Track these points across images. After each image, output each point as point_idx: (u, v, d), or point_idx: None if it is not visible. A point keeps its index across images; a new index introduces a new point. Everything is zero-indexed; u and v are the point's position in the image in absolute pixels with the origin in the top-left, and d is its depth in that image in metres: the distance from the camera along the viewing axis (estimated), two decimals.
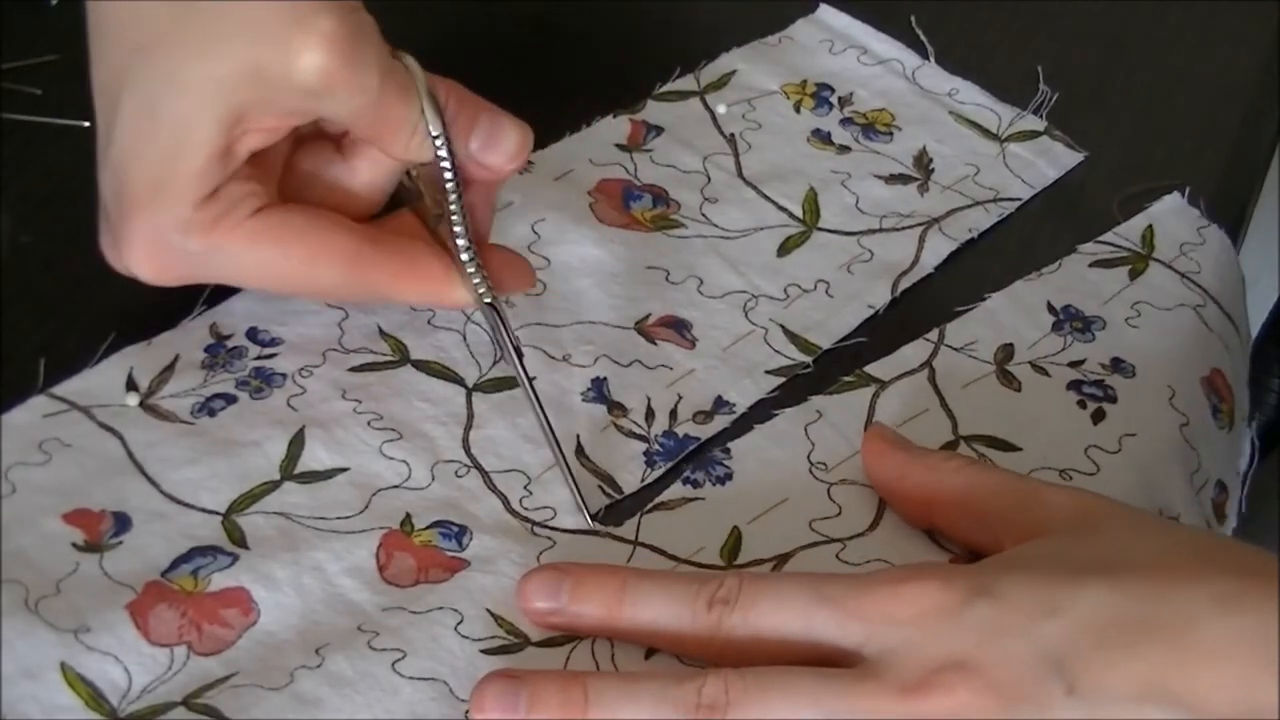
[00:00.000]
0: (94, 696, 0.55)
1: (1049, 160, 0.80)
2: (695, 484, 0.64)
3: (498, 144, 0.62)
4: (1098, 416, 0.67)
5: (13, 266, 0.69)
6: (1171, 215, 0.77)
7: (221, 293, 0.67)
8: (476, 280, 0.62)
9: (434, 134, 0.60)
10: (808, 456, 0.65)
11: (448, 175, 0.60)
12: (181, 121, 0.57)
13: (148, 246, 0.59)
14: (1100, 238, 0.76)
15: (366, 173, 0.63)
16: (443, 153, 0.60)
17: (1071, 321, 0.71)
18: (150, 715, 0.54)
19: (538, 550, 0.61)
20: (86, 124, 0.74)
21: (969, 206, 0.77)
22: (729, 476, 0.64)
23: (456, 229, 0.61)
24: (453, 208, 0.61)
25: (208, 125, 0.57)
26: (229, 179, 0.59)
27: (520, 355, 0.63)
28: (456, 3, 0.86)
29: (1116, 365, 0.69)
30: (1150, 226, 0.76)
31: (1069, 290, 0.73)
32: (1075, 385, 0.68)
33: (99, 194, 0.61)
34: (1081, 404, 0.68)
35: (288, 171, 0.62)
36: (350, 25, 0.57)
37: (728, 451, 0.65)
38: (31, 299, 0.67)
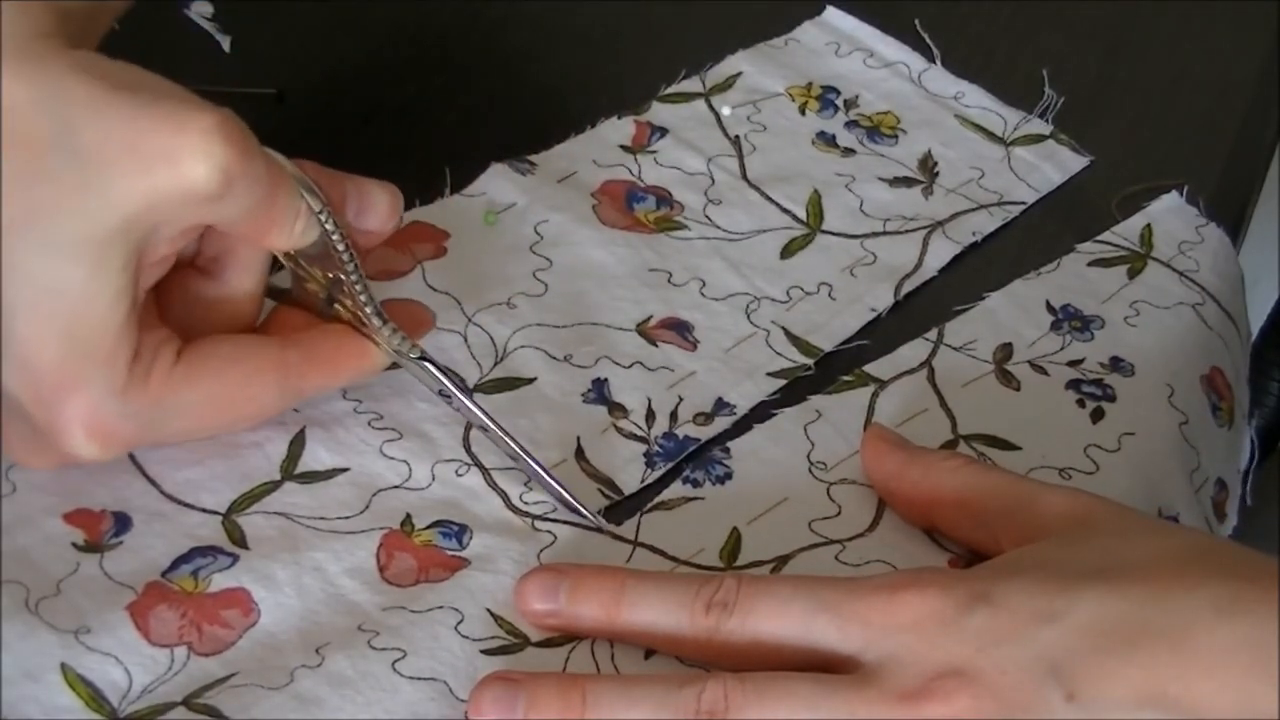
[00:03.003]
0: (94, 697, 0.55)
1: (1054, 164, 0.80)
2: (695, 483, 0.64)
3: (371, 208, 0.62)
4: (1097, 415, 0.67)
5: None
6: (1170, 214, 0.77)
7: None
8: (397, 341, 0.61)
9: (318, 209, 0.58)
10: (807, 456, 0.65)
11: (340, 246, 0.59)
12: (86, 286, 0.53)
13: (90, 426, 0.55)
14: (1099, 237, 0.76)
15: (239, 281, 0.61)
16: (330, 225, 0.59)
17: (1070, 321, 0.71)
18: (150, 715, 0.54)
19: (538, 548, 0.61)
20: None
21: (973, 210, 0.77)
22: (729, 476, 0.64)
23: (362, 296, 0.60)
24: (353, 276, 0.60)
25: (115, 278, 0.53)
26: (140, 330, 0.56)
27: (470, 395, 0.63)
28: (462, 2, 0.86)
29: (1115, 364, 0.69)
30: (1149, 225, 0.76)
31: (1067, 289, 0.73)
32: (1074, 384, 0.68)
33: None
34: (1080, 403, 0.68)
35: (163, 311, 0.59)
36: (227, 115, 0.54)
37: (727, 451, 0.65)
38: None
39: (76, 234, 0.52)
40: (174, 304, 0.59)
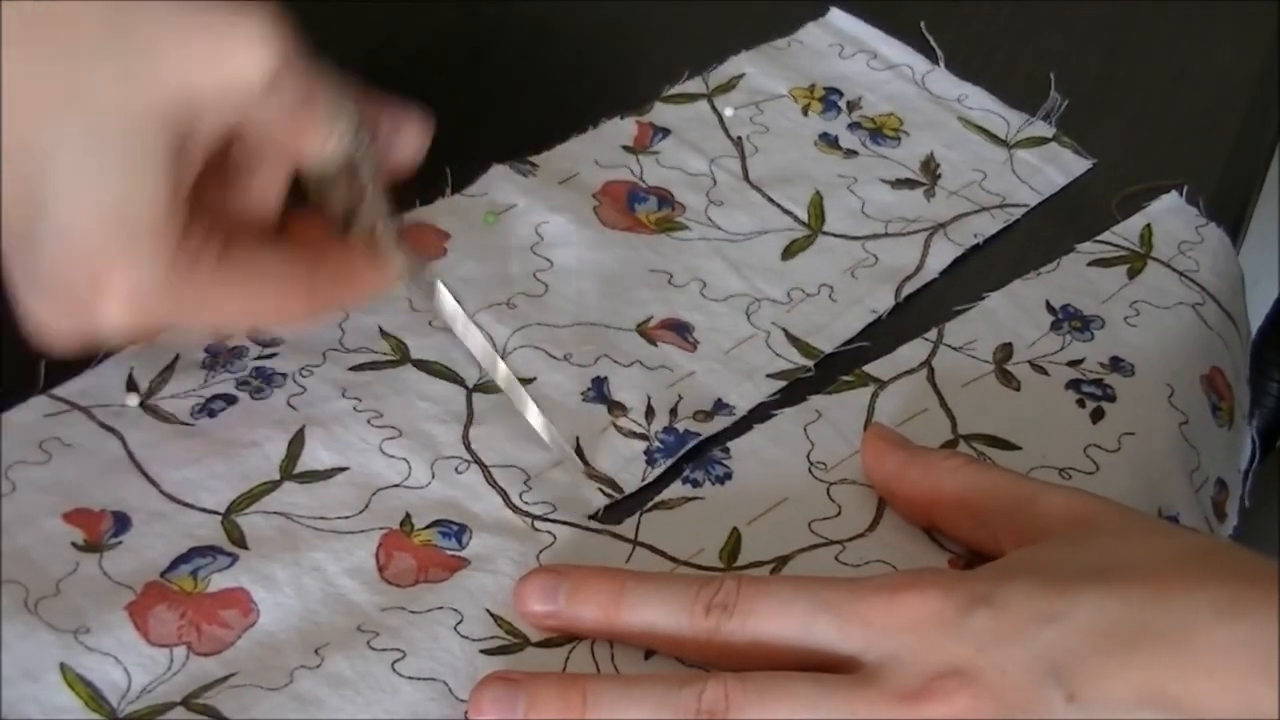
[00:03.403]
0: (93, 697, 0.55)
1: (1057, 167, 0.80)
2: (695, 483, 0.64)
3: (403, 136, 0.61)
4: (1097, 415, 0.67)
5: None
6: (1169, 214, 0.77)
7: None
8: (410, 265, 0.61)
9: (352, 123, 0.58)
10: (807, 456, 0.65)
11: (366, 165, 0.59)
12: (134, 163, 0.53)
13: (131, 302, 0.54)
14: (1098, 237, 0.76)
15: (263, 187, 0.60)
16: (360, 141, 0.58)
17: (1070, 321, 0.71)
18: (150, 715, 0.54)
19: (538, 548, 0.61)
20: None
21: (975, 212, 0.77)
22: (728, 476, 0.64)
23: (380, 220, 0.60)
24: (374, 198, 0.59)
25: (163, 158, 0.53)
26: (189, 218, 0.55)
27: (474, 322, 0.63)
28: (466, 2, 0.86)
29: (1115, 364, 0.69)
30: (1148, 225, 0.76)
31: (1067, 289, 0.73)
32: (1074, 384, 0.68)
33: (19, 274, 0.56)
34: (1080, 403, 0.68)
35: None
36: (277, 15, 0.54)
37: (727, 451, 0.65)
38: None
39: (123, 113, 0.52)
40: (197, 212, 0.58)
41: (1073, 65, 0.86)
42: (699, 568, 0.61)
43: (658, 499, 0.63)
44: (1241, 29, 0.90)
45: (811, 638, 0.55)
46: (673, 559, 0.61)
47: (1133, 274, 0.74)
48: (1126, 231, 0.76)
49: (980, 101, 0.83)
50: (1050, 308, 0.72)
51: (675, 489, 0.64)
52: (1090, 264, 0.74)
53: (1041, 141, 0.81)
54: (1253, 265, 0.82)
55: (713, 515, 0.63)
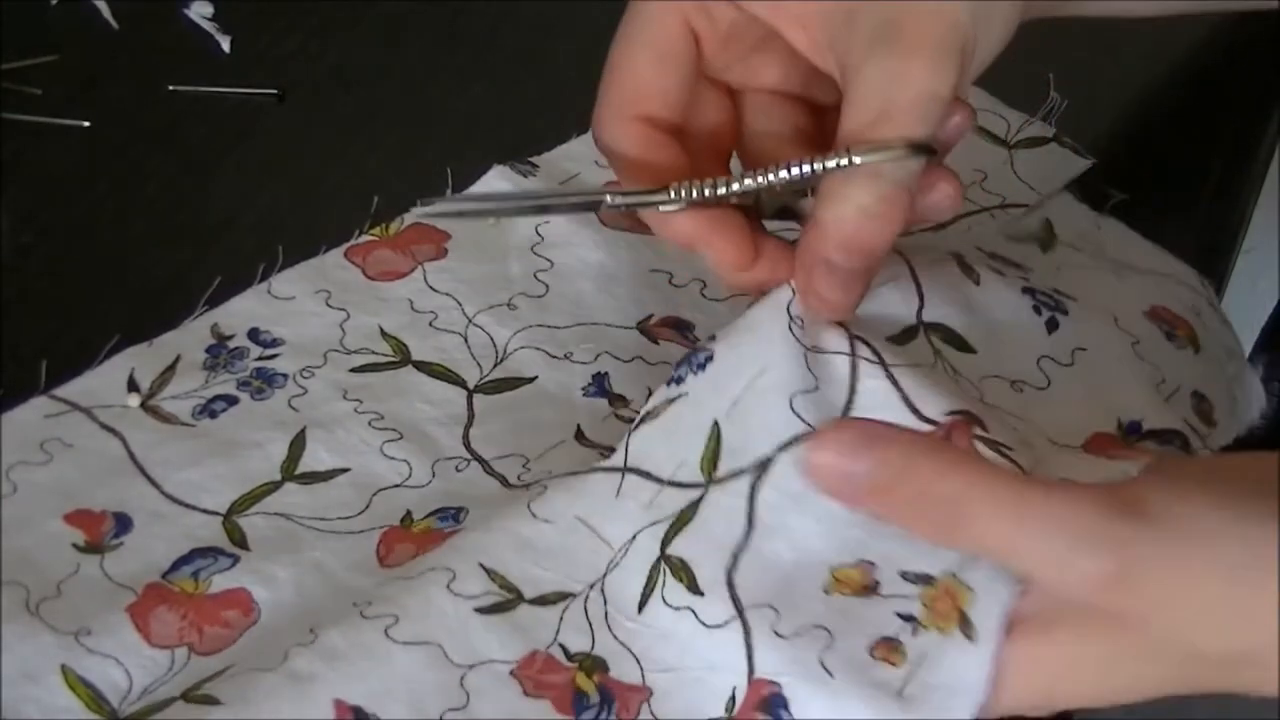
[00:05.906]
0: (94, 698, 0.55)
1: (1056, 167, 0.80)
2: (679, 380, 0.60)
3: (938, 190, 0.61)
4: (1051, 326, 0.64)
5: (13, 266, 0.69)
6: (1065, 209, 0.76)
7: (223, 292, 0.68)
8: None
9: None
10: (786, 309, 0.60)
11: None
12: None
13: None
14: (1006, 219, 0.75)
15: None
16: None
17: (1003, 261, 0.68)
18: (149, 714, 0.54)
19: (529, 499, 0.59)
20: (86, 124, 0.75)
21: (975, 212, 0.77)
22: (710, 359, 0.60)
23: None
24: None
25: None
26: None
27: None
28: (463, 2, 0.86)
29: (1057, 292, 0.67)
30: (1047, 220, 0.75)
31: (990, 243, 0.71)
32: (1029, 292, 0.65)
33: None
34: (1036, 309, 0.65)
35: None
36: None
37: (713, 337, 0.61)
38: (31, 299, 0.68)
39: None
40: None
41: (1073, 65, 0.86)
42: (681, 485, 0.58)
43: (645, 409, 0.60)
44: (1242, 29, 0.90)
45: None
46: (657, 479, 0.58)
47: (1044, 248, 0.73)
48: (1030, 221, 0.75)
49: (980, 101, 0.83)
50: (980, 250, 0.69)
51: (661, 393, 0.60)
52: (1006, 238, 0.73)
53: (1041, 142, 0.81)
54: (1253, 265, 0.82)
55: (694, 412, 0.59)
